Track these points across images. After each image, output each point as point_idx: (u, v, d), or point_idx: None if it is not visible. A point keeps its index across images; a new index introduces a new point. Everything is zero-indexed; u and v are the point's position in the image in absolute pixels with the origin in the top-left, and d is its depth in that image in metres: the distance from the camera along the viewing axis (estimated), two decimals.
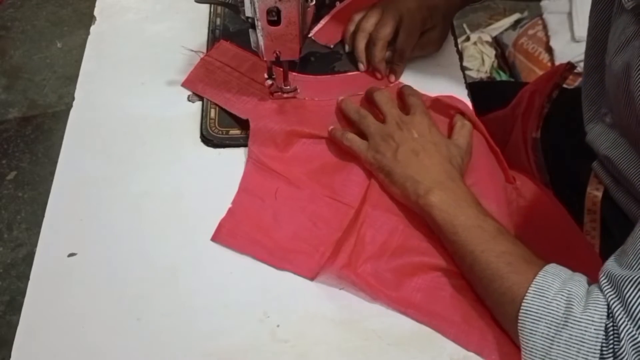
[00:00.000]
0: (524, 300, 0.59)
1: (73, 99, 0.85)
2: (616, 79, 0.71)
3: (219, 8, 0.95)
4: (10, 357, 0.64)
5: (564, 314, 0.57)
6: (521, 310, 0.59)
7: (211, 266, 0.71)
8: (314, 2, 0.74)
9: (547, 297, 0.59)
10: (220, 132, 0.82)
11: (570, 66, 0.96)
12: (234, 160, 0.79)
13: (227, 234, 0.72)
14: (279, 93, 0.83)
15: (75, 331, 0.66)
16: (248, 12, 0.72)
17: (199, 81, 0.86)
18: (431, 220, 0.69)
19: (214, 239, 0.72)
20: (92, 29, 0.94)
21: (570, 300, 0.58)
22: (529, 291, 0.60)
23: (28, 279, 0.69)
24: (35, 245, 0.72)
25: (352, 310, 0.67)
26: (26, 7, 2.19)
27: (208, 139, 0.81)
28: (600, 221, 0.80)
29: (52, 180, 0.77)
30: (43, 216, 0.74)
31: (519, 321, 0.59)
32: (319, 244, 0.71)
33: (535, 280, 0.60)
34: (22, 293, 0.68)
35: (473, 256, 0.65)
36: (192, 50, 0.89)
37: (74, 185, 0.77)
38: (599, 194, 0.81)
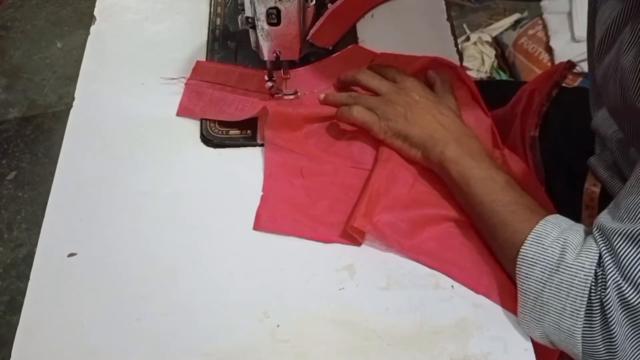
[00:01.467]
0: (523, 246, 0.63)
1: (73, 99, 0.85)
2: (607, 62, 0.71)
3: (219, 8, 0.95)
4: (10, 357, 0.64)
5: (557, 260, 0.61)
6: (519, 255, 0.63)
7: (211, 266, 0.71)
8: (313, 2, 0.74)
9: (543, 244, 0.62)
10: (220, 132, 0.82)
11: (570, 65, 0.96)
12: (234, 160, 0.80)
13: (267, 220, 0.73)
14: (280, 95, 0.83)
15: (75, 331, 0.66)
16: (248, 12, 0.72)
17: (194, 106, 0.84)
18: (446, 174, 0.72)
19: (256, 227, 0.73)
20: (92, 29, 0.94)
21: (565, 248, 0.61)
22: (527, 238, 0.63)
23: (28, 279, 0.69)
24: (35, 245, 0.72)
25: (352, 310, 0.68)
26: (26, 7, 2.18)
27: (208, 139, 0.81)
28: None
29: (52, 180, 0.77)
30: (43, 216, 0.74)
31: (517, 265, 0.63)
32: (348, 208, 0.73)
33: (535, 228, 0.63)
34: (22, 293, 0.68)
35: (482, 206, 0.68)
36: (173, 78, 0.87)
37: (74, 185, 0.77)
38: (597, 190, 0.81)
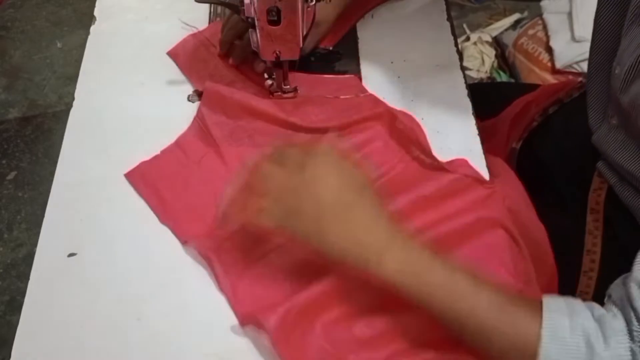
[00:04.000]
0: (541, 348, 0.54)
1: (73, 99, 0.85)
2: (636, 91, 0.69)
3: (219, 8, 0.95)
4: (10, 357, 0.64)
5: (585, 353, 0.54)
6: (540, 358, 0.55)
7: None
8: (314, 2, 0.74)
9: (564, 339, 0.54)
10: None
11: (580, 84, 0.94)
12: None
13: (139, 177, 0.76)
14: (279, 93, 0.83)
15: (75, 331, 0.66)
16: (248, 12, 0.72)
17: (183, 53, 0.88)
18: (396, 291, 0.60)
19: (127, 175, 0.76)
20: (92, 29, 0.94)
21: (588, 338, 0.54)
22: (542, 337, 0.55)
23: (28, 279, 0.69)
24: (35, 245, 0.72)
25: None
26: (26, 7, 2.18)
27: None
28: (603, 220, 0.80)
29: (52, 180, 0.77)
30: (43, 216, 0.74)
31: None
32: (206, 214, 0.72)
33: (543, 323, 0.55)
34: (22, 293, 0.68)
35: (460, 314, 0.58)
36: (188, 25, 0.91)
37: (74, 185, 0.77)
38: (603, 193, 0.80)
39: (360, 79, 0.87)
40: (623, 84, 0.72)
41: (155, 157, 0.78)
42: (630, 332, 0.54)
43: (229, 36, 0.86)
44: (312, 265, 0.66)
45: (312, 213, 0.60)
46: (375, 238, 0.60)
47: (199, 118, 0.80)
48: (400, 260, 0.59)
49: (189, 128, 0.80)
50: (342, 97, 0.83)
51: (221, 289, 0.68)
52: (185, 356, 0.65)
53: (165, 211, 0.73)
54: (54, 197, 0.76)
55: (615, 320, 0.55)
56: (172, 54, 0.89)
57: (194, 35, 0.90)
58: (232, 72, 0.86)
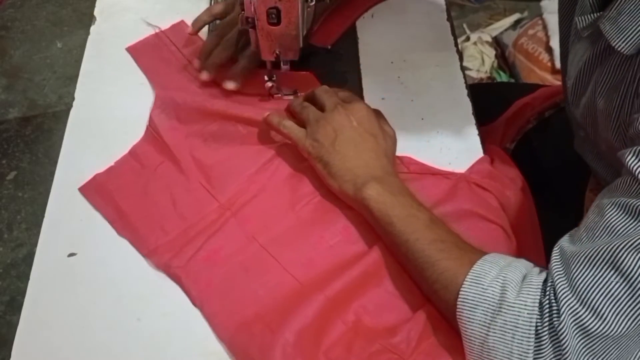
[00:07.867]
0: (462, 289, 0.59)
1: (73, 99, 0.85)
2: (584, 103, 0.70)
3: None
4: (10, 357, 0.64)
5: (498, 300, 0.57)
6: (459, 299, 0.59)
7: None
8: (313, 2, 0.74)
9: (483, 285, 0.58)
10: None
11: None
12: None
13: (94, 189, 0.75)
14: (279, 95, 0.83)
15: (75, 331, 0.66)
16: (248, 12, 0.72)
17: (143, 52, 0.88)
18: (368, 213, 0.69)
19: (82, 189, 0.75)
20: (92, 29, 0.94)
21: (505, 286, 0.57)
22: (466, 279, 0.59)
23: (28, 279, 0.69)
24: (35, 245, 0.72)
25: None
26: (26, 7, 2.18)
27: None
28: None
29: (52, 180, 0.77)
30: (43, 216, 0.74)
31: (457, 309, 0.59)
32: (166, 223, 0.72)
33: (473, 268, 0.60)
34: (22, 293, 0.68)
35: (407, 245, 0.65)
36: (150, 24, 0.91)
37: (74, 185, 0.77)
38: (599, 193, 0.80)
39: (359, 79, 0.87)
40: (573, 97, 0.73)
41: (110, 168, 0.76)
42: (544, 287, 0.57)
43: (222, 58, 0.82)
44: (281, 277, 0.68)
45: (331, 135, 0.72)
46: (369, 171, 0.70)
47: (151, 126, 0.79)
48: (379, 192, 0.68)
49: (143, 136, 0.79)
50: (300, 94, 0.83)
51: (194, 304, 0.67)
52: (185, 356, 0.65)
53: (123, 223, 0.72)
54: (54, 197, 0.76)
55: (537, 276, 0.58)
56: (132, 51, 0.88)
57: (156, 34, 0.90)
58: (191, 72, 0.85)
